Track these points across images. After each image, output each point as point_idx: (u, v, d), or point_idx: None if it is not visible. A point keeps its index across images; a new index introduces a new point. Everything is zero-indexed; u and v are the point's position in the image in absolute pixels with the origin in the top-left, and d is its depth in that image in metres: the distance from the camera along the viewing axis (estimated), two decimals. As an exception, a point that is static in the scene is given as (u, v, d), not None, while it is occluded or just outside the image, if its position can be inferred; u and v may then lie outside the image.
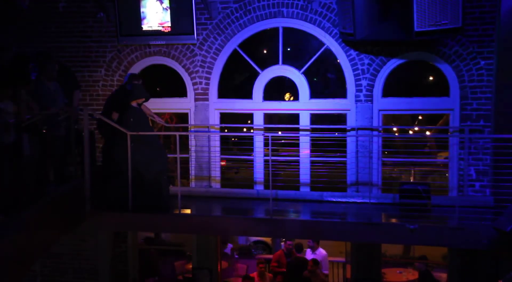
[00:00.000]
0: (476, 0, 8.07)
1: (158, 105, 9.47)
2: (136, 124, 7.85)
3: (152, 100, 9.32)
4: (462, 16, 7.46)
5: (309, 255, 10.52)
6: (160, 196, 7.82)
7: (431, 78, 8.86)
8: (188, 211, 8.05)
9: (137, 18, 8.99)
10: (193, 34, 8.98)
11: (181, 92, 9.39)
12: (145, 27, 9.03)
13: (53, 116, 7.24)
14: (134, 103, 7.98)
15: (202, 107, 9.24)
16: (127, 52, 9.39)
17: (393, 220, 7.74)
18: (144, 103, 8.35)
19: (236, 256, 12.41)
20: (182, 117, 9.78)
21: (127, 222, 7.87)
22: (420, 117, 10.33)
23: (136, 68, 9.42)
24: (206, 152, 9.15)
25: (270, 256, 12.58)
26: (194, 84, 9.26)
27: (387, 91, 8.70)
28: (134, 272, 9.61)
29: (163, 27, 8.98)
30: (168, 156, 8.37)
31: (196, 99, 9.26)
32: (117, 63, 9.41)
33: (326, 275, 10.57)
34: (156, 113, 9.43)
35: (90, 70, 9.48)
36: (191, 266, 10.16)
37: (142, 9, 8.95)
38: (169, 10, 8.87)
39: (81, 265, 9.44)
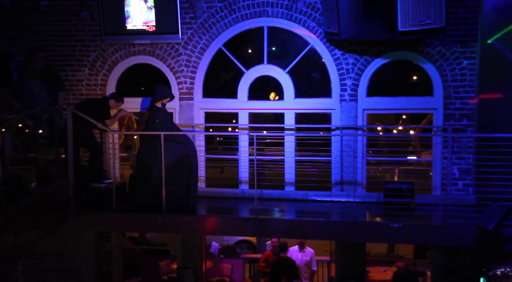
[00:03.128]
0: (459, 0, 8.15)
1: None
2: (162, 125, 7.95)
3: (137, 99, 9.35)
4: (445, 16, 7.51)
5: (296, 253, 10.55)
6: (188, 197, 7.87)
7: (415, 77, 8.92)
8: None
9: (121, 17, 8.92)
10: (178, 33, 8.94)
11: (166, 91, 9.34)
12: (130, 26, 8.96)
13: (36, 115, 7.18)
14: (159, 104, 8.07)
15: (187, 106, 9.21)
16: (111, 51, 9.33)
17: (378, 219, 7.78)
18: (116, 105, 8.64)
19: (221, 256, 12.40)
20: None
21: (111, 221, 7.84)
22: (404, 117, 10.41)
23: (120, 68, 9.38)
24: (191, 151, 9.11)
25: (255, 256, 12.62)
26: (179, 83, 9.23)
27: (372, 91, 8.74)
28: (118, 272, 9.55)
29: (147, 26, 8.92)
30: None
31: (181, 99, 9.23)
32: (101, 62, 9.34)
33: (314, 271, 10.62)
34: (141, 113, 9.44)
35: (73, 69, 9.40)
36: (175, 266, 10.13)
37: (126, 8, 8.89)
38: (153, 9, 8.82)
39: (64, 265, 9.35)
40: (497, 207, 6.52)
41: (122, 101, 8.74)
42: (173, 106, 9.27)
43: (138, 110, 9.50)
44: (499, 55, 7.90)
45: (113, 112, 8.73)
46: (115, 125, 9.37)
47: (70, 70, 9.40)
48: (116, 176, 8.60)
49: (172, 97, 8.40)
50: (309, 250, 10.49)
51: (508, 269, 7.63)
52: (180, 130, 8.41)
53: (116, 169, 8.39)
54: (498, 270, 7.68)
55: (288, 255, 10.45)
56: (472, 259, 8.05)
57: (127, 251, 10.64)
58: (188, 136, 8.20)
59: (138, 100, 9.41)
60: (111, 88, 9.39)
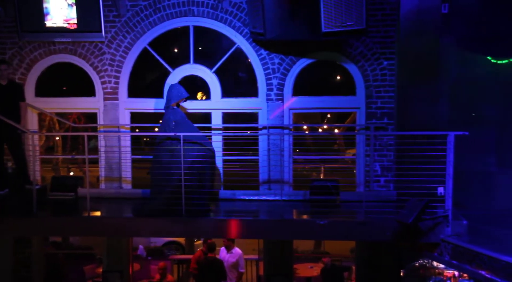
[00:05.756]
0: (378, 3, 8.44)
1: (65, 105, 9.16)
2: (178, 126, 7.82)
3: (58, 99, 9.08)
4: (366, 18, 7.77)
5: (223, 254, 10.51)
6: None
7: (338, 77, 9.15)
8: (98, 213, 7.81)
9: (40, 13, 8.58)
10: (101, 31, 8.72)
11: (89, 91, 9.11)
12: (49, 23, 8.64)
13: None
14: (174, 104, 7.97)
15: (112, 106, 9.00)
16: (30, 49, 8.96)
17: (304, 217, 7.91)
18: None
19: (149, 258, 12.22)
20: (91, 117, 9.47)
21: (30, 226, 7.52)
22: (329, 116, 10.64)
23: (40, 67, 9.05)
24: (116, 152, 8.93)
25: (184, 256, 12.51)
26: (103, 83, 9.00)
27: (297, 90, 8.89)
28: (39, 278, 9.18)
29: (68, 24, 8.63)
30: (76, 156, 8.12)
31: (105, 99, 9.02)
32: (19, 60, 8.96)
33: (242, 273, 10.62)
34: (62, 113, 9.14)
35: (-12, 67, 8.94)
36: (101, 270, 9.87)
37: (45, 5, 8.55)
38: (74, 7, 8.55)
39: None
40: (415, 202, 6.77)
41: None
42: (97, 106, 9.05)
43: (60, 111, 9.21)
44: (416, 56, 8.27)
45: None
46: (35, 126, 9.03)
47: (-16, 69, 8.93)
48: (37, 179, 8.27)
49: (187, 97, 8.28)
50: (236, 251, 10.39)
51: (425, 261, 8.01)
52: (198, 130, 8.25)
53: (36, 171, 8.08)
54: (417, 262, 8.04)
55: (218, 255, 10.41)
56: (393, 253, 8.36)
57: (49, 256, 10.25)
58: (205, 137, 8.09)
59: (60, 100, 9.11)
60: (30, 87, 9.04)
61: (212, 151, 8.00)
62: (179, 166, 7.44)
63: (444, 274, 8.13)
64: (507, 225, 7.47)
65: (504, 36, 8.23)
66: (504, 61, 8.30)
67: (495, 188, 8.26)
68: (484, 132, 8.26)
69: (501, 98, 8.41)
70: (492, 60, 8.32)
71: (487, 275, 5.95)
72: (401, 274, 8.50)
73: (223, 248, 10.59)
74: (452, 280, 8.09)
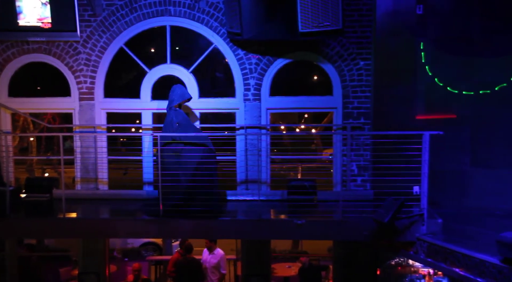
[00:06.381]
0: (354, 3, 8.50)
1: (39, 105, 9.02)
2: (181, 127, 7.85)
3: (32, 100, 8.95)
4: (342, 18, 7.83)
5: (206, 255, 10.45)
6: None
7: (316, 77, 9.18)
8: (73, 215, 7.72)
9: (12, 12, 8.44)
10: (76, 31, 8.61)
11: (64, 91, 9.00)
12: (22, 22, 8.50)
13: None
14: (176, 106, 7.99)
15: (88, 107, 8.91)
16: (2, 49, 8.82)
17: (282, 216, 7.93)
18: None
19: (126, 259, 12.11)
20: (66, 118, 9.36)
21: (3, 229, 7.42)
22: (306, 116, 10.68)
23: (13, 66, 8.91)
24: (92, 153, 8.84)
25: (161, 257, 12.42)
26: (78, 83, 8.90)
27: (275, 90, 8.90)
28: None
29: (42, 23, 8.51)
30: (51, 157, 8.01)
31: (80, 99, 8.92)
32: (-9, 60, 8.82)
33: (223, 274, 10.58)
34: (37, 114, 9.00)
35: (-41, 67, 8.79)
36: (77, 272, 9.76)
37: (17, 3, 8.41)
38: (48, 5, 8.42)
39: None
40: (392, 201, 6.85)
41: None
42: (72, 106, 8.95)
43: (34, 111, 9.08)
44: (392, 56, 8.36)
45: None
46: (9, 127, 8.88)
47: (-45, 69, 8.78)
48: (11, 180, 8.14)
49: (190, 98, 8.35)
50: (218, 252, 10.30)
51: (401, 259, 8.09)
52: (200, 131, 8.24)
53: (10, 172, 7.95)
54: (393, 261, 8.12)
55: (200, 257, 10.33)
56: (370, 252, 8.42)
57: (23, 259, 10.09)
58: (207, 138, 8.06)
59: (34, 100, 8.98)
60: (3, 87, 8.90)
61: (213, 151, 7.99)
62: (188, 167, 7.51)
63: (420, 272, 8.22)
64: (481, 223, 7.60)
65: (477, 36, 8.36)
66: (471, 93, 8.45)
67: (469, 186, 8.39)
68: (458, 131, 8.39)
69: (475, 98, 8.55)
70: (454, 91, 8.45)
71: (461, 273, 6.04)
72: (378, 272, 8.57)
73: (205, 249, 10.54)
74: (427, 278, 8.19)
